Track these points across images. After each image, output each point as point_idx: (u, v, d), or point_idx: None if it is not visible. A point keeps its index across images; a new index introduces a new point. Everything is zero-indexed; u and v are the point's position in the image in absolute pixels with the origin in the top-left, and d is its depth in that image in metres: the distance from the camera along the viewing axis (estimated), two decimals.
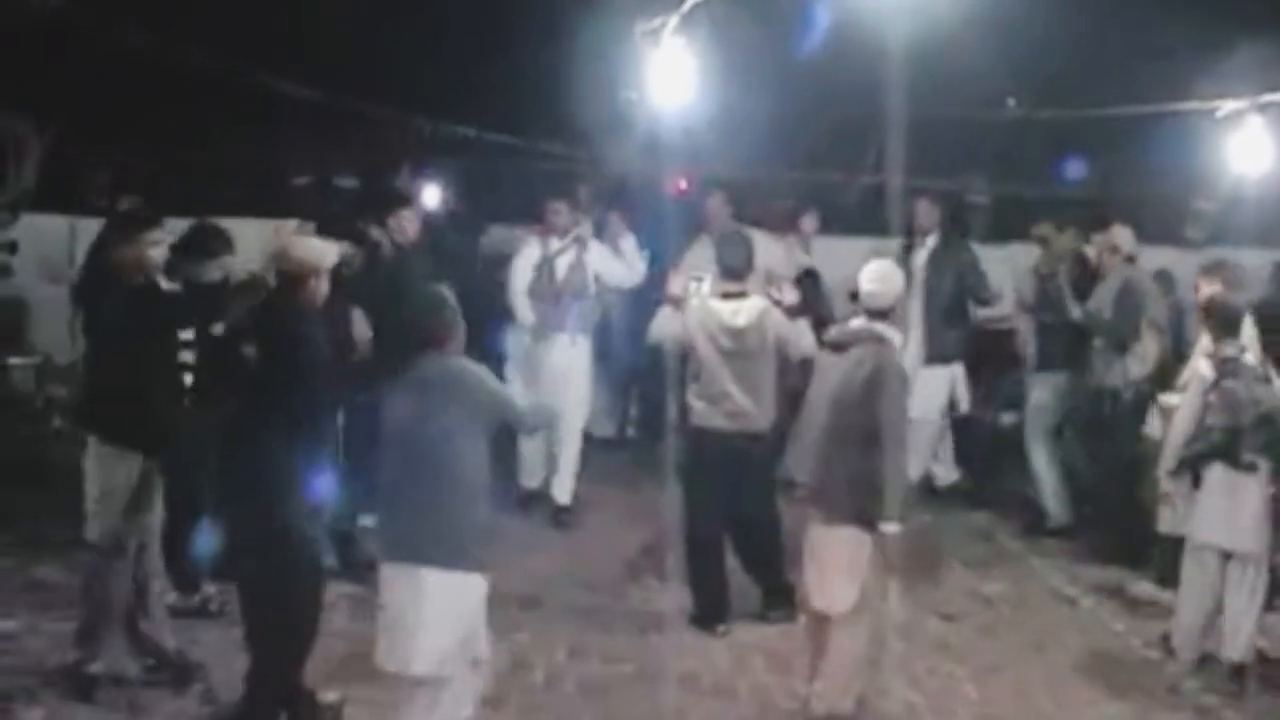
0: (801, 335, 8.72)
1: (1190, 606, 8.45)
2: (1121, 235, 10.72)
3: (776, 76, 12.56)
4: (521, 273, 10.89)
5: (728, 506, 8.76)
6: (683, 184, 12.82)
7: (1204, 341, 8.68)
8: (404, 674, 6.31)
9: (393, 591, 6.34)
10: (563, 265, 10.83)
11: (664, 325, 8.88)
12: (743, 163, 13.05)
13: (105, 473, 7.35)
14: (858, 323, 7.45)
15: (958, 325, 11.82)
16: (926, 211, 11.82)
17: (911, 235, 11.93)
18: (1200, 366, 8.53)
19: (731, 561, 8.90)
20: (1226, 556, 8.28)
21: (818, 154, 13.56)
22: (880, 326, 7.36)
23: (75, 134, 12.89)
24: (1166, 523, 9.04)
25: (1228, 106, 8.22)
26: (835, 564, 7.25)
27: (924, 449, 11.46)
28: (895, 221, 12.00)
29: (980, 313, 12.11)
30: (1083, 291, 10.80)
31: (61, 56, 11.34)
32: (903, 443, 7.30)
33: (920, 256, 11.71)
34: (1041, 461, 11.14)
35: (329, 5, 13.36)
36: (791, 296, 8.85)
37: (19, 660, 7.71)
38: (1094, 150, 14.40)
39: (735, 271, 8.72)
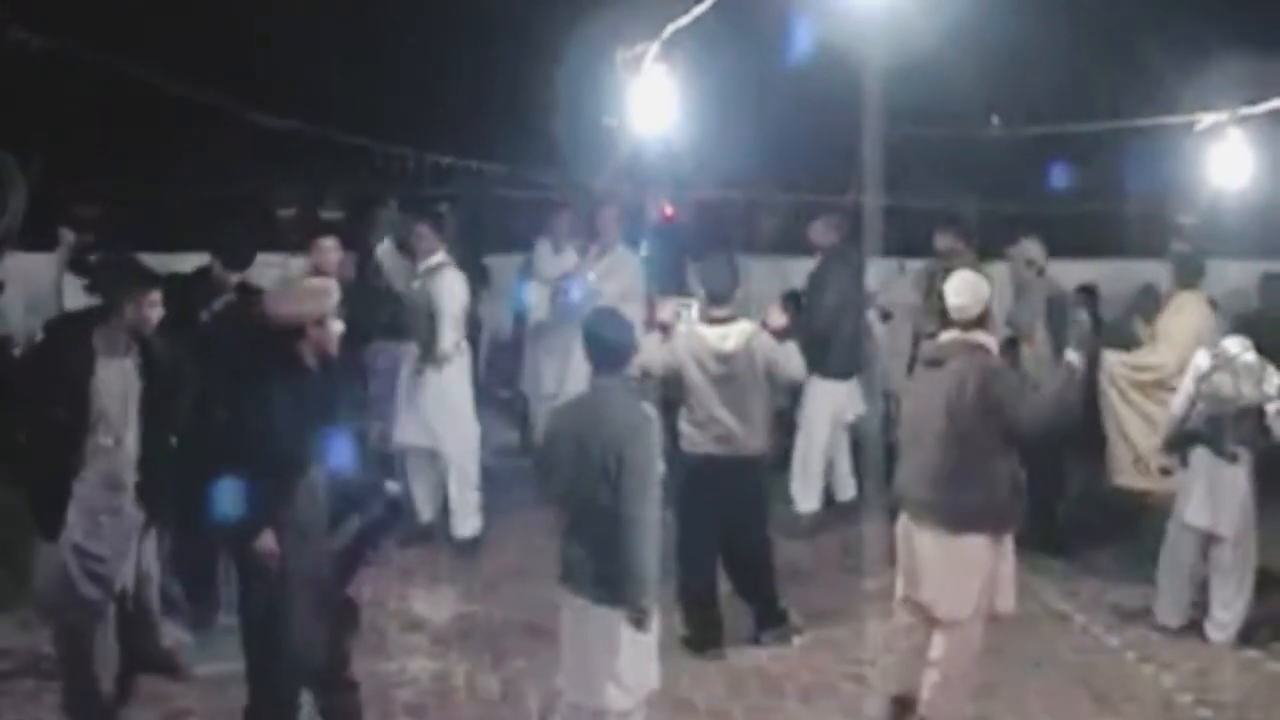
0: (790, 358, 8.74)
1: (1172, 579, 9.24)
2: (1033, 248, 11.09)
3: (759, 100, 12.61)
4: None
5: (720, 531, 8.77)
6: (668, 209, 12.85)
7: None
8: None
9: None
10: (420, 288, 10.72)
11: (651, 352, 8.89)
12: (727, 186, 13.09)
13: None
14: (949, 336, 7.53)
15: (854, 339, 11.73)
16: (823, 230, 11.83)
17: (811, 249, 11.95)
18: (1198, 358, 9.15)
19: (724, 585, 8.91)
20: (1209, 539, 9.06)
21: (801, 176, 13.57)
22: (978, 335, 7.48)
23: (60, 171, 12.89)
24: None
25: (1207, 120, 8.25)
26: (964, 571, 7.34)
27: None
28: (878, 242, 12.04)
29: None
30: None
31: (45, 93, 11.35)
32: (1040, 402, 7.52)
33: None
34: None
35: (315, 38, 13.41)
36: (779, 319, 8.85)
37: None
38: (1078, 165, 14.48)
39: (721, 296, 8.74)
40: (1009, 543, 7.49)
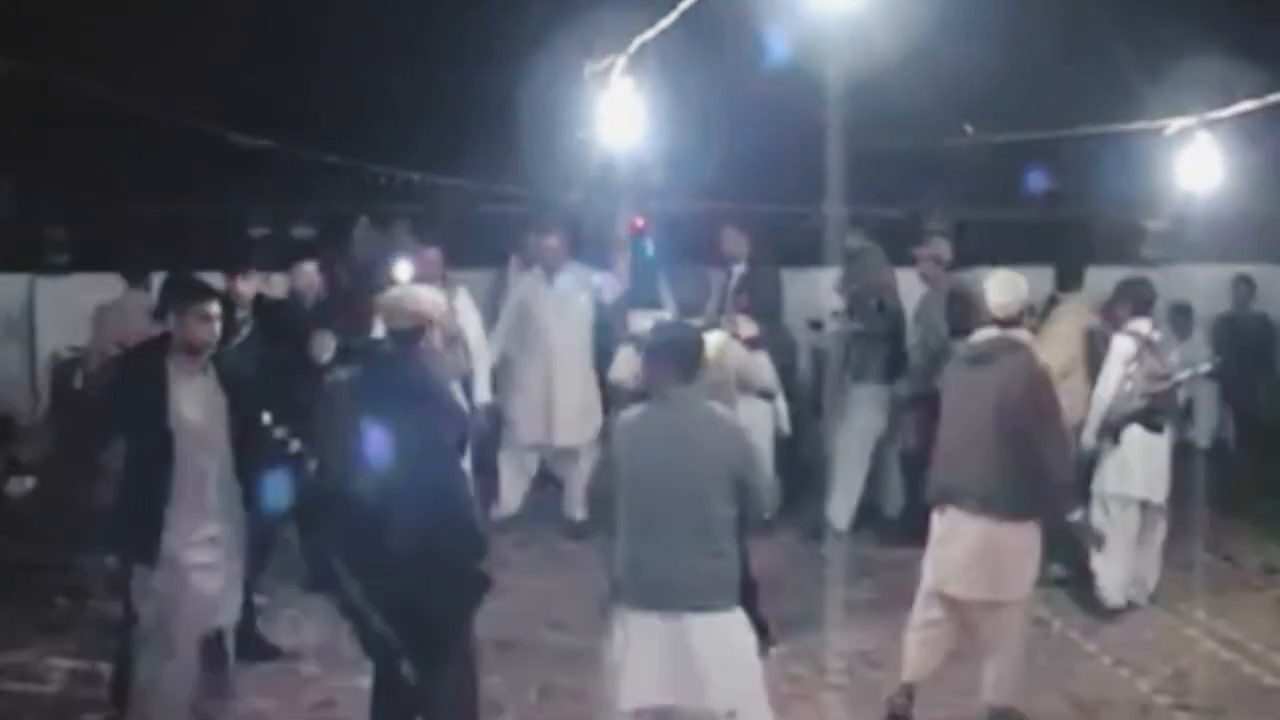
0: (761, 368, 8.75)
1: (1118, 557, 9.58)
2: (942, 246, 11.46)
3: (727, 112, 12.63)
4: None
5: None
6: (638, 222, 12.86)
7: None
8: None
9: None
10: None
11: (624, 364, 8.88)
12: (695, 198, 13.12)
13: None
14: (990, 334, 7.69)
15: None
16: (733, 239, 12.03)
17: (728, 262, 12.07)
18: (1122, 344, 9.61)
19: None
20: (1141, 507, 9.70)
21: (769, 187, 13.61)
22: (1019, 334, 7.67)
23: (32, 190, 12.88)
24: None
25: (1176, 124, 8.26)
26: (1023, 554, 7.57)
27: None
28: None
29: None
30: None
31: (16, 112, 11.33)
32: (1067, 439, 7.94)
33: (730, 284, 11.81)
34: (859, 475, 11.46)
35: (284, 57, 13.39)
36: (749, 329, 8.87)
37: None
38: (1049, 172, 14.53)
39: (691, 307, 8.72)
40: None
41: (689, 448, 6.24)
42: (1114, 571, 9.62)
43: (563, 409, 11.18)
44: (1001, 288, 7.73)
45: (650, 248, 12.41)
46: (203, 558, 7.10)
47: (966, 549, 7.58)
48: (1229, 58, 10.07)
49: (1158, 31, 12.95)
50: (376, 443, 6.28)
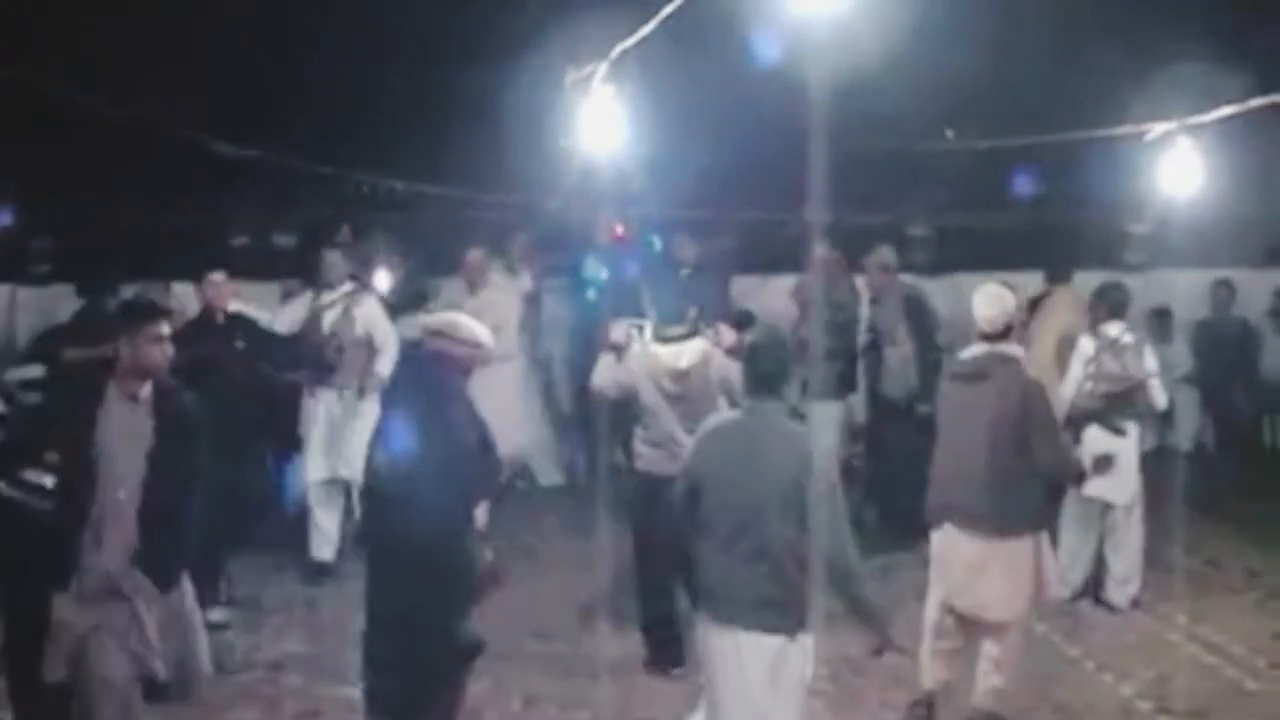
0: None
1: (1074, 553, 9.93)
2: (887, 254, 11.79)
3: (710, 118, 12.64)
4: (284, 322, 10.79)
5: (679, 550, 8.73)
6: (619, 229, 12.89)
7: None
8: None
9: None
10: (330, 318, 10.71)
11: (606, 373, 8.88)
12: (677, 205, 13.13)
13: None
14: (980, 350, 7.76)
15: None
16: (683, 246, 12.40)
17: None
18: (1082, 344, 9.91)
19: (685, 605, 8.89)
20: (1106, 509, 9.88)
21: (751, 193, 13.63)
22: (1009, 348, 7.73)
23: (13, 200, 12.86)
24: None
25: (1157, 129, 8.28)
26: (1015, 573, 7.61)
27: None
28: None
29: None
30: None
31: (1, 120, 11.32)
32: (1066, 447, 8.33)
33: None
34: None
35: (268, 66, 13.37)
36: (729, 338, 8.88)
37: None
38: (1032, 177, 14.55)
39: (673, 315, 8.74)
40: (1044, 534, 7.86)
41: (754, 463, 6.10)
42: (1066, 566, 9.69)
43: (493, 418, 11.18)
44: (989, 302, 7.76)
45: (657, 244, 12.56)
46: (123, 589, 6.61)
47: (965, 566, 7.65)
48: (1211, 62, 10.11)
49: (1141, 36, 12.98)
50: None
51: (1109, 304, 10.04)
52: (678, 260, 12.14)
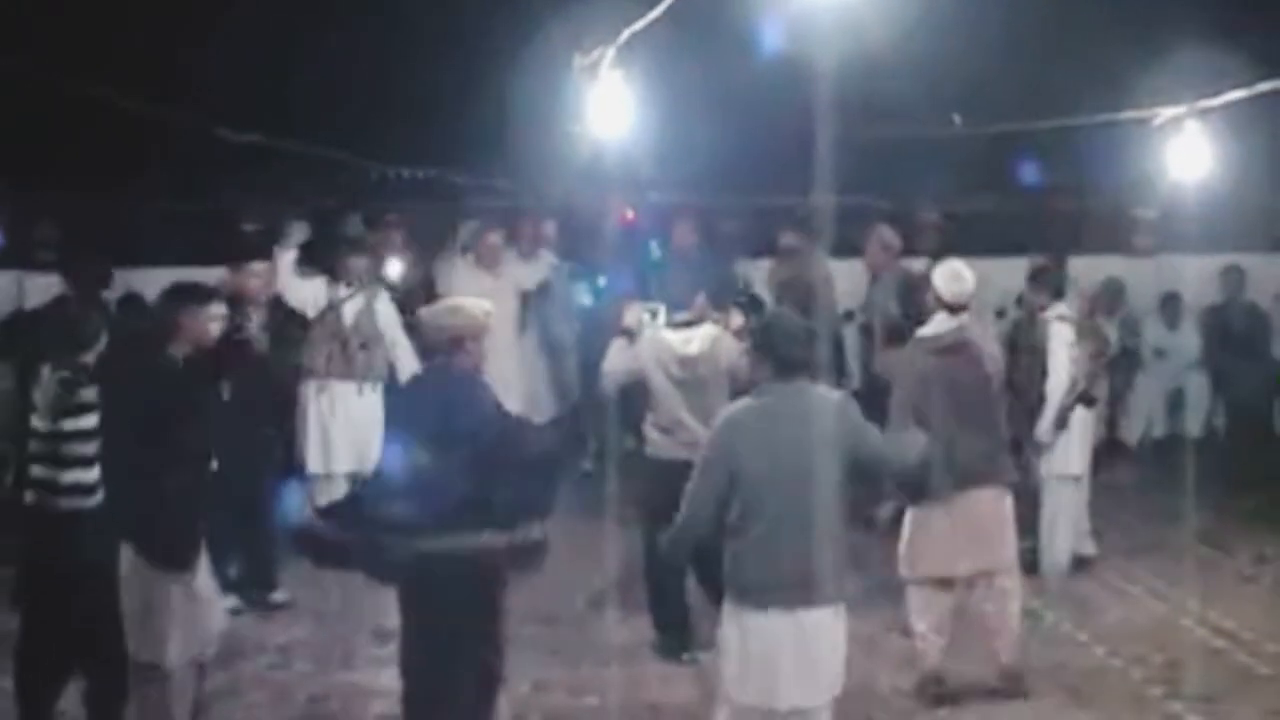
0: None
1: (1063, 530, 10.22)
2: (887, 234, 11.83)
3: (718, 102, 12.63)
4: (295, 298, 10.66)
5: (690, 541, 8.72)
6: (628, 213, 12.88)
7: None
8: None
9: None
10: (350, 311, 10.65)
11: (617, 358, 8.88)
12: (686, 189, 13.13)
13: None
14: (950, 324, 8.00)
15: None
16: (684, 232, 12.32)
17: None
18: (1060, 330, 10.05)
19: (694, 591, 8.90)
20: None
21: (759, 178, 13.63)
22: (968, 319, 8.08)
23: (20, 187, 12.84)
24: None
25: (1165, 114, 8.26)
26: (1007, 521, 8.08)
27: None
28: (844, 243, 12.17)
29: None
30: None
31: (5, 109, 11.29)
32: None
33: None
34: None
35: (274, 51, 13.36)
36: (736, 321, 8.88)
37: None
38: (1040, 162, 14.52)
39: (683, 300, 8.75)
40: None
41: (795, 439, 6.01)
42: (1052, 546, 10.21)
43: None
44: (956, 278, 8.04)
45: (655, 249, 12.53)
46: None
47: (979, 523, 7.92)
48: (1219, 47, 10.08)
49: (1148, 21, 12.94)
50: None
51: (1051, 286, 10.33)
52: (683, 246, 12.12)
